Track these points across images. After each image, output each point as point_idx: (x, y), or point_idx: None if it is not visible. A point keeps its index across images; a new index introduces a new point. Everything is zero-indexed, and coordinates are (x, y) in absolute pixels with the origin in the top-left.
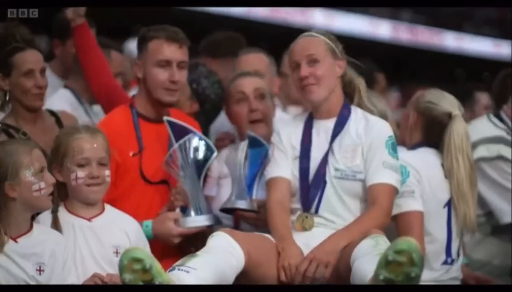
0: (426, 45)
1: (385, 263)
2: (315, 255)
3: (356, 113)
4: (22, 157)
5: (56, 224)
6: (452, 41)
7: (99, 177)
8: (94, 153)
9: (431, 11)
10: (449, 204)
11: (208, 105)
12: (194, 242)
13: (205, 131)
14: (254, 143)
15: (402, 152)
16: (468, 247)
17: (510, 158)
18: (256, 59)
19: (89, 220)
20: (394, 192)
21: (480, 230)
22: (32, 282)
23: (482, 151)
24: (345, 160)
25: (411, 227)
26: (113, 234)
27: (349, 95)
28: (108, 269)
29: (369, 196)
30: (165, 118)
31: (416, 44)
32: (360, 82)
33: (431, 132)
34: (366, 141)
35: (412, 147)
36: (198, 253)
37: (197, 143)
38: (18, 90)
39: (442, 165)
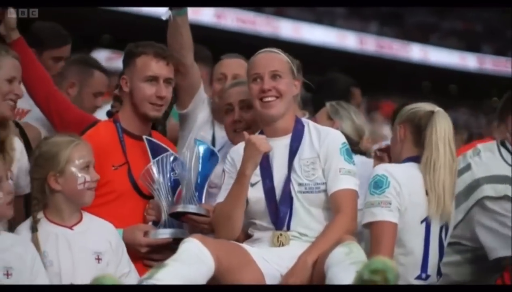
0: (393, 57)
1: (360, 282)
2: (287, 280)
3: (309, 126)
4: None
5: (36, 243)
6: (418, 53)
7: (96, 180)
8: (91, 157)
9: (398, 24)
10: (426, 220)
11: None
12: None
13: None
14: (206, 151)
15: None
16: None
17: None
18: (236, 64)
19: (70, 228)
20: (355, 195)
21: (461, 254)
22: None
23: (489, 190)
24: (307, 173)
25: (382, 236)
26: (94, 241)
27: None
28: (89, 276)
29: (332, 204)
30: (144, 137)
31: (383, 56)
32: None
33: (421, 137)
34: (321, 152)
35: (402, 162)
36: (167, 261)
37: (173, 162)
38: None
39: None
